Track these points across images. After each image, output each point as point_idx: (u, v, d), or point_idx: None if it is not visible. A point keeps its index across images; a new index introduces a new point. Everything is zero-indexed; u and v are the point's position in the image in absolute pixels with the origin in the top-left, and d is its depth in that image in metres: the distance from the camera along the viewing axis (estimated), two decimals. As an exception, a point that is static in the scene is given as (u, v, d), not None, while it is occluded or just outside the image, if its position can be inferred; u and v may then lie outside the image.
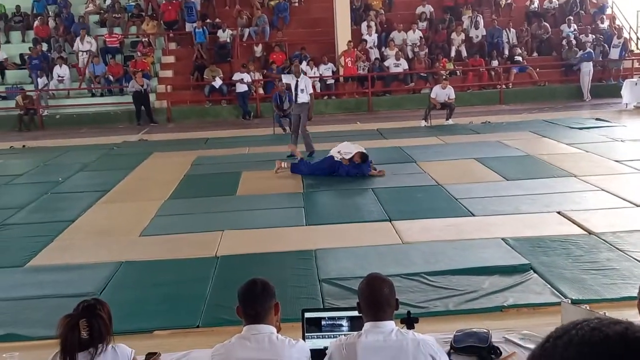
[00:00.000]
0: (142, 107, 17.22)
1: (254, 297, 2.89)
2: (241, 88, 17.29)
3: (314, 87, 18.25)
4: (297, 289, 5.37)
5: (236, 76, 17.43)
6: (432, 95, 14.85)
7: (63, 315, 2.89)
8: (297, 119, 11.76)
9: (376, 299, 2.80)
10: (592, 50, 18.32)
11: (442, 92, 14.60)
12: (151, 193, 9.27)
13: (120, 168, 11.12)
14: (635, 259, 5.70)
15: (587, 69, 17.73)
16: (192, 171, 10.73)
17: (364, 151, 9.85)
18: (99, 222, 7.91)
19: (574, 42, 19.00)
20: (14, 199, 9.33)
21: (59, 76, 18.14)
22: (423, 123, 14.48)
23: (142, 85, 17.08)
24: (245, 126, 16.15)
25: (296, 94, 11.72)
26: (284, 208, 8.17)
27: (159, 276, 5.94)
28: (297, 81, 11.71)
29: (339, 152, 9.90)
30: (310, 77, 18.08)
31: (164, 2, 20.32)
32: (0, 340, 4.70)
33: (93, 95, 18.54)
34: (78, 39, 18.83)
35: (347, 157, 9.73)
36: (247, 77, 17.36)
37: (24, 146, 14.32)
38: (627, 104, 15.97)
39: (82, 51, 18.69)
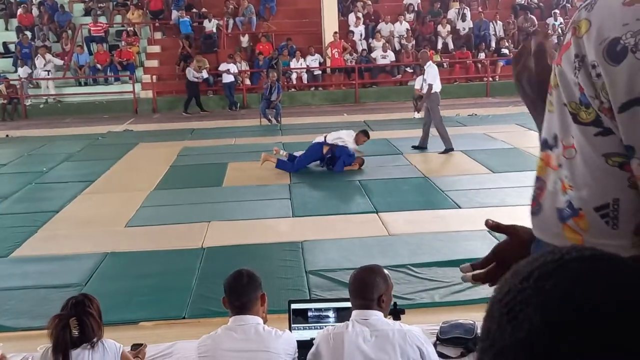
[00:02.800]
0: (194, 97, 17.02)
1: (240, 288, 2.88)
2: (227, 79, 17.19)
3: (300, 78, 18.33)
4: (283, 281, 5.36)
5: (222, 67, 17.32)
6: (416, 86, 14.85)
7: (53, 315, 2.89)
8: (427, 113, 10.91)
9: (365, 289, 2.80)
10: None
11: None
12: (137, 184, 9.21)
13: (106, 158, 11.04)
14: None
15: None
16: (178, 162, 10.67)
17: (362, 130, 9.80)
18: (83, 213, 7.85)
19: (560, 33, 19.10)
20: (-3, 189, 9.23)
21: (44, 67, 17.86)
22: (416, 114, 14.50)
23: (200, 74, 16.94)
24: (231, 117, 16.08)
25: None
26: (271, 199, 8.16)
27: (144, 267, 5.91)
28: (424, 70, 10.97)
29: (338, 138, 9.60)
30: (296, 69, 18.18)
31: (149, -9, 20.14)
32: (-17, 331, 4.66)
33: (79, 84, 18.39)
34: (38, 57, 17.86)
35: (350, 144, 9.50)
36: (233, 68, 17.27)
37: (7, 136, 14.17)
38: None
39: (43, 70, 17.80)
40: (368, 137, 9.71)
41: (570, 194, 0.84)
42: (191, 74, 16.88)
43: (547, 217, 0.89)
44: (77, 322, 2.80)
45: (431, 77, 10.63)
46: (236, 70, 17.38)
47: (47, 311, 4.77)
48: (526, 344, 0.55)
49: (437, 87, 10.71)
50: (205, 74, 17.30)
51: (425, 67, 10.95)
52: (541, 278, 0.59)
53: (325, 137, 9.62)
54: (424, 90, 10.82)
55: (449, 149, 10.39)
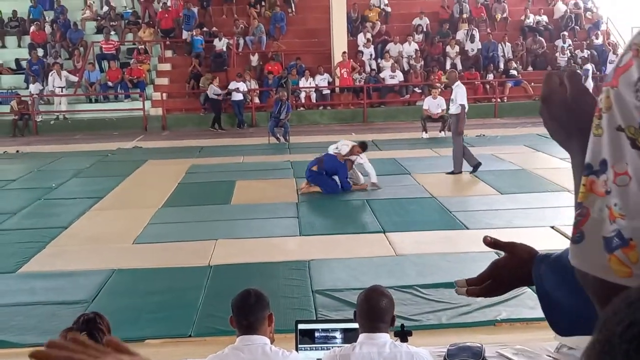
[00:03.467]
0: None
1: (248, 308, 2.88)
2: (237, 97, 17.27)
3: (308, 97, 18.41)
4: (290, 300, 5.36)
5: (232, 85, 17.41)
6: (425, 106, 14.97)
7: (62, 329, 2.89)
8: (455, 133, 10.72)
9: (373, 311, 2.79)
10: (590, 67, 18.43)
11: (434, 103, 14.71)
12: (145, 201, 9.25)
13: (115, 175, 11.10)
14: (628, 275, 5.71)
15: (588, 83, 17.87)
16: (186, 179, 10.71)
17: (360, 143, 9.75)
18: (92, 229, 7.89)
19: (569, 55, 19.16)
20: (6, 205, 9.28)
21: (55, 85, 18.03)
22: (424, 135, 14.53)
23: (221, 91, 17.10)
24: (240, 135, 16.16)
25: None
26: (278, 218, 8.17)
27: (151, 284, 5.92)
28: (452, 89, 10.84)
29: (336, 148, 9.61)
30: (305, 88, 18.28)
31: (160, 10, 20.36)
32: (-10, 346, 4.67)
33: (90, 101, 18.54)
34: (54, 73, 18.06)
35: (344, 151, 9.40)
36: (242, 87, 17.37)
37: (17, 151, 14.27)
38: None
39: (58, 87, 18.04)
40: (364, 149, 9.58)
41: (620, 222, 0.79)
42: (212, 90, 17.03)
43: (590, 247, 0.84)
44: (87, 337, 2.79)
45: (460, 97, 10.41)
46: (245, 89, 17.49)
47: (54, 327, 4.78)
48: None
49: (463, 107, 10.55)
50: (217, 89, 17.36)
51: (453, 87, 10.71)
52: None
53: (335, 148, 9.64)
54: (451, 111, 10.59)
55: (457, 172, 10.29)
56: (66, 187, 10.48)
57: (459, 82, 10.77)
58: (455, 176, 10.27)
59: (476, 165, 10.28)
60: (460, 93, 10.46)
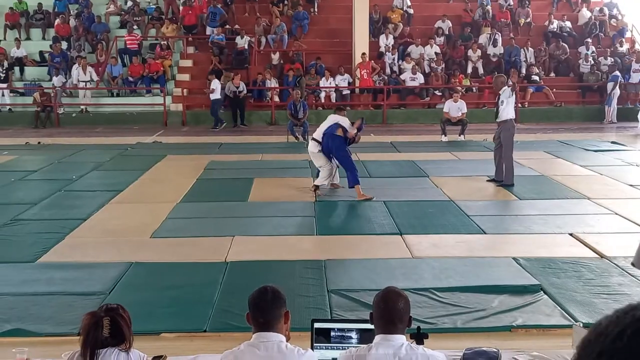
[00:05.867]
0: (237, 109, 17.32)
1: (264, 305, 2.89)
2: (214, 96, 16.97)
3: (328, 97, 18.41)
4: (305, 299, 5.36)
5: (213, 84, 17.06)
6: (445, 109, 14.86)
7: (85, 313, 2.93)
8: (497, 142, 9.87)
9: (389, 313, 2.79)
10: (618, 74, 18.22)
11: (454, 106, 14.58)
12: (163, 195, 9.31)
13: (134, 169, 11.18)
14: (647, 285, 5.66)
15: (615, 91, 17.69)
16: (204, 175, 10.76)
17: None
18: (110, 222, 7.95)
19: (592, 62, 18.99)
20: (27, 195, 9.40)
21: (79, 79, 18.21)
22: (443, 138, 14.44)
23: (237, 87, 17.17)
24: (259, 133, 16.20)
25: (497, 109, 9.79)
26: (295, 216, 8.18)
27: (168, 279, 5.95)
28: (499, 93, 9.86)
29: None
30: (325, 87, 18.28)
31: (183, 6, 20.47)
32: (8, 335, 4.72)
33: (112, 95, 18.71)
34: (79, 67, 18.26)
35: (352, 130, 9.08)
36: (217, 86, 17.06)
37: (39, 143, 14.43)
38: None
39: (82, 81, 18.23)
40: (343, 110, 9.58)
41: None
42: (229, 88, 17.13)
43: None
44: (109, 321, 2.83)
45: (509, 106, 9.65)
46: (241, 88, 17.42)
47: (71, 318, 4.84)
48: None
49: (511, 114, 9.82)
50: (233, 88, 17.41)
51: (500, 92, 9.79)
52: (635, 336, 0.60)
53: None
54: (501, 118, 9.68)
55: (509, 184, 9.57)
56: (86, 179, 10.57)
57: (505, 88, 9.71)
58: (472, 181, 10.19)
59: (502, 182, 9.69)
60: (509, 101, 9.62)
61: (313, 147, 9.30)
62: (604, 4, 21.53)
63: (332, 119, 9.33)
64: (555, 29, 20.53)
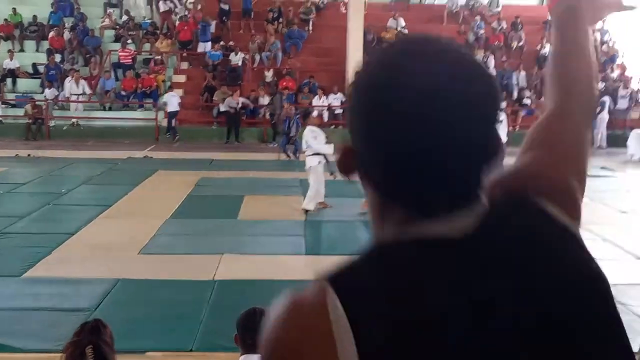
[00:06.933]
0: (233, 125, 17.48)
1: (253, 326, 2.86)
2: (171, 108, 17.36)
3: (321, 116, 18.47)
4: (293, 319, 5.32)
5: (166, 97, 17.59)
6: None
7: (67, 341, 2.86)
8: None
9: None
10: (606, 99, 18.39)
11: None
12: (153, 211, 9.26)
13: (124, 184, 11.13)
14: (635, 314, 5.66)
15: (602, 116, 17.83)
16: (195, 191, 10.72)
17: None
18: (98, 237, 7.89)
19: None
20: (15, 208, 9.33)
21: (71, 92, 18.21)
22: None
23: (237, 103, 17.25)
24: (251, 149, 16.19)
25: None
26: (285, 236, 8.15)
27: (155, 296, 5.91)
28: None
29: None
30: (318, 106, 18.34)
31: (179, 22, 20.54)
32: (-9, 350, 4.66)
33: (104, 109, 18.67)
34: (72, 80, 18.30)
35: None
36: (176, 98, 17.53)
37: (29, 155, 14.35)
38: (632, 154, 16.00)
39: (75, 94, 18.28)
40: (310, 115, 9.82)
41: None
42: (228, 103, 17.27)
43: None
44: (92, 350, 2.77)
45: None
46: (179, 100, 17.67)
47: (56, 334, 4.77)
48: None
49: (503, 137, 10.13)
50: (233, 104, 17.50)
51: None
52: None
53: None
54: None
55: None
56: (75, 193, 10.52)
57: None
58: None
59: None
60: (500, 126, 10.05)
61: (314, 162, 9.26)
62: (596, 30, 21.76)
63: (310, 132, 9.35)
64: (547, 54, 20.69)
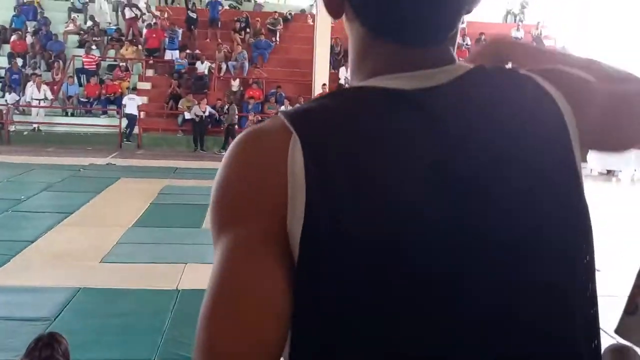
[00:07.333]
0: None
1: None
2: (130, 110, 17.37)
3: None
4: (257, 330, 5.29)
5: (125, 100, 17.55)
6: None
7: (21, 352, 2.80)
8: None
9: None
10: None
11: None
12: (115, 219, 9.12)
13: (86, 191, 10.95)
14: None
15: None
16: (158, 200, 10.61)
17: None
18: (59, 245, 7.74)
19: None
20: (-28, 214, 9.10)
21: (32, 97, 17.87)
22: None
23: (203, 112, 17.08)
24: (215, 158, 16.09)
25: None
26: (250, 245, 8.10)
27: (116, 306, 5.81)
28: None
29: None
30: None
31: (147, 29, 20.37)
32: (-55, 361, 4.53)
33: (66, 114, 18.37)
34: (33, 85, 17.87)
35: None
36: (135, 101, 17.53)
37: (-13, 160, 14.04)
38: (592, 169, 16.36)
39: (36, 99, 17.86)
40: None
41: None
42: (194, 111, 17.22)
43: None
44: None
45: None
46: (138, 103, 17.58)
47: (13, 345, 4.66)
48: None
49: None
50: (199, 112, 17.42)
51: None
52: None
53: None
54: None
55: None
56: (36, 200, 10.30)
57: None
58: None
59: None
60: None
61: None
62: (539, 26, 22.36)
63: None
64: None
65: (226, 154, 0.83)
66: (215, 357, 0.75)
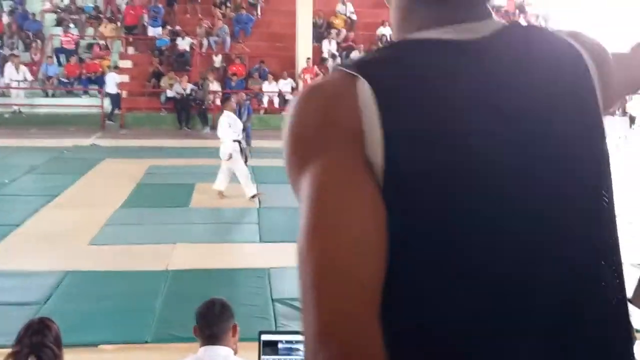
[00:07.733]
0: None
1: (212, 318, 2.83)
2: (111, 89, 17.29)
3: (271, 101, 18.35)
4: (249, 308, 5.29)
5: (108, 78, 17.43)
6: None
7: (9, 351, 2.74)
8: None
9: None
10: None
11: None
12: (102, 200, 9.04)
13: (71, 173, 10.83)
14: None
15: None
16: (145, 180, 10.52)
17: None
18: (46, 228, 7.67)
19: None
20: (-45, 199, 8.98)
21: (11, 78, 17.56)
22: None
23: (184, 89, 16.94)
24: (201, 137, 15.98)
25: None
26: (238, 223, 8.10)
27: (107, 288, 5.78)
28: None
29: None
30: (268, 92, 18.23)
31: (126, 5, 20.04)
32: None
33: (47, 95, 18.09)
34: (12, 66, 17.55)
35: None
36: (116, 78, 17.37)
37: (-32, 144, 13.83)
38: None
39: (15, 80, 17.55)
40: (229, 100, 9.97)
41: None
42: (176, 89, 17.06)
43: None
44: (36, 358, 2.65)
45: None
46: (117, 81, 17.46)
47: (4, 329, 4.61)
48: None
49: None
50: (180, 89, 17.26)
51: None
52: None
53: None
54: None
55: None
56: (19, 183, 10.18)
57: None
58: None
59: None
60: None
61: (230, 149, 9.22)
62: (539, 15, 22.22)
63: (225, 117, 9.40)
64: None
65: (291, 107, 0.86)
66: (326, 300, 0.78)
